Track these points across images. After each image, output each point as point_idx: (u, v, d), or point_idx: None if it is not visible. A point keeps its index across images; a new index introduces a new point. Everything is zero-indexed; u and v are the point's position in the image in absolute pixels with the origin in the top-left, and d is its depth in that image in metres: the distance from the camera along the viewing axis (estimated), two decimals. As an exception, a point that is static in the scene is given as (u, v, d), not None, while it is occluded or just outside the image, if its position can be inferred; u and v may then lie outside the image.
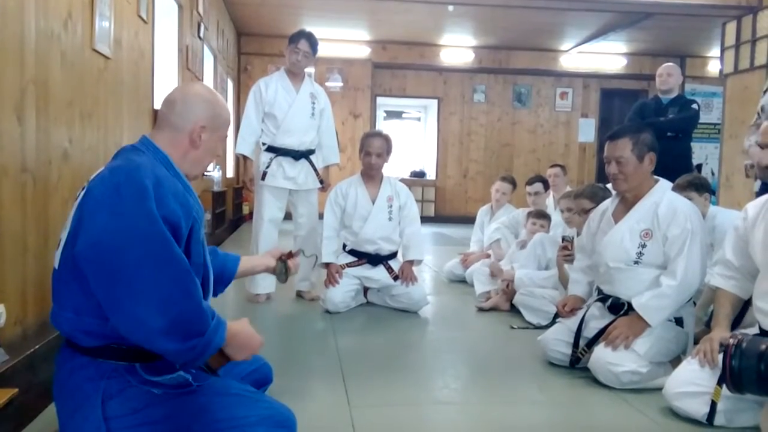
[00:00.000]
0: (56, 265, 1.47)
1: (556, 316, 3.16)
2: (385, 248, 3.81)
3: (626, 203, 2.62)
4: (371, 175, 3.82)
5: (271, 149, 3.85)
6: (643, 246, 2.52)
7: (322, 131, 3.99)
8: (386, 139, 3.80)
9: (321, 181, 3.99)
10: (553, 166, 5.16)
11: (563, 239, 3.41)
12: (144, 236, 1.33)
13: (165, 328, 1.32)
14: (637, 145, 2.51)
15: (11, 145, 1.95)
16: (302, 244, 3.97)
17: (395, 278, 3.75)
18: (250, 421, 1.47)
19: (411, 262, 3.80)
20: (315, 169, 3.95)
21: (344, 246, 3.88)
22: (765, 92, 4.72)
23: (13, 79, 1.96)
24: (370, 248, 3.79)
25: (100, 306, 1.37)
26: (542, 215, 4.20)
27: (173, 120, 1.57)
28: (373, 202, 3.79)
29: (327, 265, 3.74)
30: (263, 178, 3.84)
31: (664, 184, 2.60)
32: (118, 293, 1.32)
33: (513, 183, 5.05)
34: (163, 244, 1.35)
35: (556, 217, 4.34)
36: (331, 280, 3.68)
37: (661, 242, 2.49)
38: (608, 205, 2.74)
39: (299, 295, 4.02)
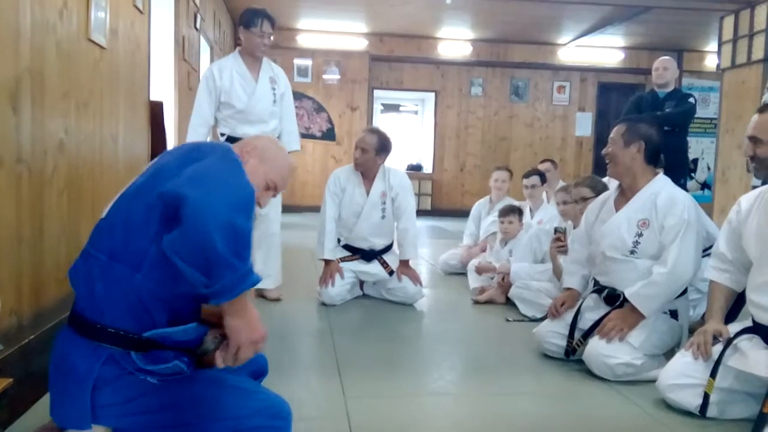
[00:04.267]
0: (103, 215, 1.50)
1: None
2: (379, 244, 3.79)
3: (625, 195, 2.64)
4: (361, 170, 3.73)
5: (230, 140, 3.52)
6: (640, 235, 2.53)
7: (282, 116, 3.73)
8: (379, 136, 3.67)
9: None
10: (543, 161, 5.18)
11: (555, 231, 3.43)
12: (226, 166, 1.46)
13: (226, 225, 1.28)
14: (629, 131, 2.58)
15: (6, 136, 1.95)
16: (260, 240, 3.58)
17: (390, 273, 3.73)
18: (246, 413, 1.48)
19: (407, 261, 3.76)
20: None
21: (338, 240, 3.87)
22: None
23: (8, 68, 1.95)
24: (363, 244, 3.77)
25: (135, 255, 1.40)
26: (509, 211, 4.15)
27: (238, 144, 1.70)
28: (367, 196, 3.73)
29: (326, 261, 3.66)
30: None
31: (663, 177, 2.62)
32: (196, 179, 1.35)
33: (510, 172, 5.09)
34: (239, 170, 1.45)
35: (553, 210, 4.35)
36: (326, 279, 3.60)
37: (657, 231, 2.50)
38: (609, 196, 2.76)
39: (261, 295, 3.68)
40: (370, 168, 3.72)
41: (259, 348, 1.44)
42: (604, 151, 2.66)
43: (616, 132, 2.63)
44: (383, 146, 3.69)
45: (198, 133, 3.60)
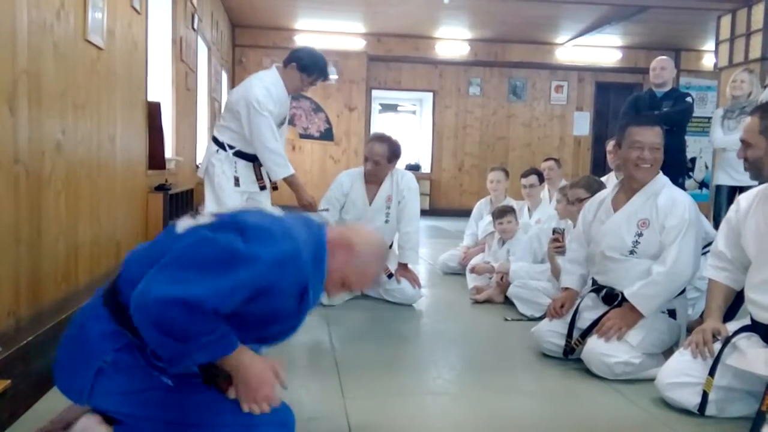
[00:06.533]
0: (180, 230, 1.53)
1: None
2: None
3: (626, 193, 2.63)
4: (370, 179, 3.69)
5: (239, 154, 3.37)
6: (640, 235, 2.53)
7: None
8: (389, 144, 3.59)
9: (275, 187, 3.63)
10: (547, 159, 5.17)
11: (554, 231, 3.43)
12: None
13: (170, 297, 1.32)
14: (662, 137, 2.60)
15: (4, 137, 1.94)
16: None
17: (390, 276, 3.69)
18: (251, 422, 1.49)
19: (406, 264, 3.73)
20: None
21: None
22: (766, 86, 4.73)
23: (5, 70, 1.95)
24: None
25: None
26: (507, 211, 4.16)
27: (341, 230, 1.69)
28: (371, 203, 3.69)
29: None
30: (237, 184, 3.37)
31: (663, 177, 2.62)
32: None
33: (505, 171, 5.08)
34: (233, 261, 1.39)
35: (551, 210, 4.35)
36: None
37: (658, 232, 2.50)
38: (606, 194, 2.75)
39: None
40: (378, 176, 3.67)
41: (266, 406, 1.46)
42: (647, 156, 2.51)
43: (658, 136, 2.56)
44: (394, 153, 3.64)
45: (287, 163, 3.38)
